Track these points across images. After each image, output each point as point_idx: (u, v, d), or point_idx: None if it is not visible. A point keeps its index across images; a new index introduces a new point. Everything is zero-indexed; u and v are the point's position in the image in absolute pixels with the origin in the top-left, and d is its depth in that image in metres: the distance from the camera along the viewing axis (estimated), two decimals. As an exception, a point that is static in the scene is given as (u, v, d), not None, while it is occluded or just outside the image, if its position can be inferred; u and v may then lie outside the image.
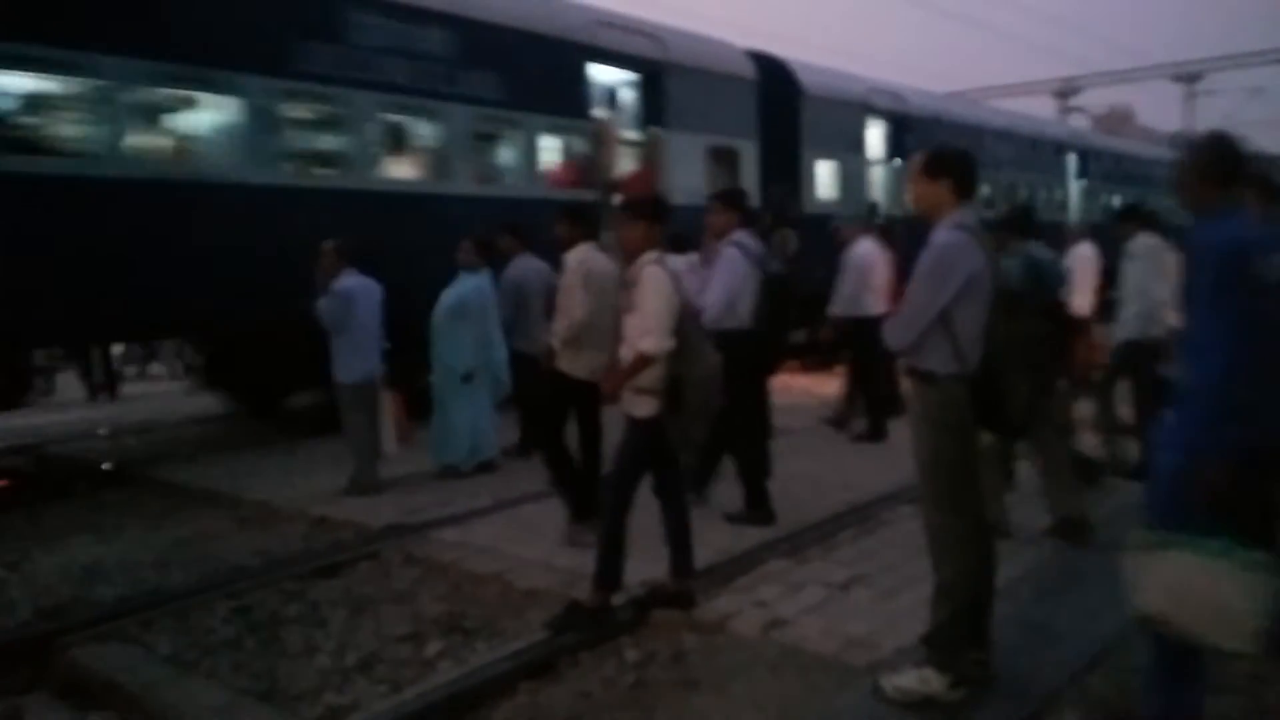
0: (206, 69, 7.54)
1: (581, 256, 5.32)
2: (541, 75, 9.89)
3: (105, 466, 7.92)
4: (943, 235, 3.35)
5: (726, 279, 5.52)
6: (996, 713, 3.34)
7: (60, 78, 7.01)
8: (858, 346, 8.14)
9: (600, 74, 10.72)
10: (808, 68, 13.81)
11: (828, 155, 13.59)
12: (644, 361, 4.11)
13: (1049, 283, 5.25)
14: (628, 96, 11.28)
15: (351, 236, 6.87)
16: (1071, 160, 19.89)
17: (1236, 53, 35.68)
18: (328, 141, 8.54)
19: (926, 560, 3.55)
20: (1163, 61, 37.30)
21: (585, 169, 10.60)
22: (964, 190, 3.44)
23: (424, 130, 9.11)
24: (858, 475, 6.68)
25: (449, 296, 6.95)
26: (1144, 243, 6.63)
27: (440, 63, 8.94)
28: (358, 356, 6.63)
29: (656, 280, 4.14)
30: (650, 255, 4.25)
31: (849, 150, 13.97)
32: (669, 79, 11.21)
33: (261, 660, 4.15)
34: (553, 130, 10.16)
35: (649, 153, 11.29)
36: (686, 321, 4.19)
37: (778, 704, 3.50)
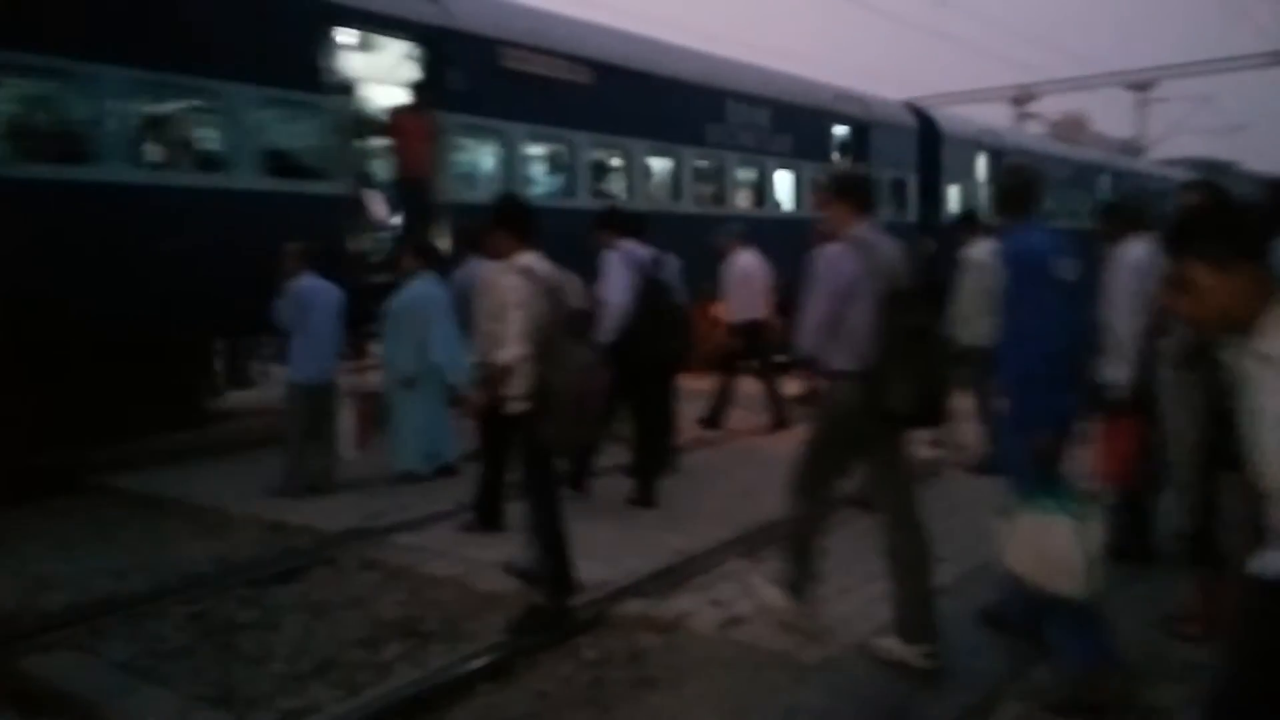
0: (668, 144, 11.84)
1: (527, 262, 5.32)
2: (807, 134, 14.31)
3: (55, 473, 7.77)
4: (825, 250, 3.83)
5: (615, 281, 6.17)
6: (944, 704, 3.42)
7: (618, 153, 11.38)
8: (752, 346, 8.68)
9: (835, 130, 15.08)
10: (943, 116, 18.20)
11: (955, 181, 17.44)
12: (504, 372, 4.15)
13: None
14: (846, 144, 15.34)
15: (315, 242, 6.92)
16: (1106, 179, 24.02)
17: (1187, 61, 36.36)
18: (713, 187, 12.77)
19: (879, 560, 3.68)
20: (1115, 69, 37.92)
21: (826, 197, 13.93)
22: (861, 208, 3.89)
23: (751, 175, 13.48)
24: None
25: (391, 302, 6.93)
26: (978, 252, 6.86)
27: (762, 130, 13.37)
28: (310, 357, 6.69)
29: (511, 290, 4.16)
30: (515, 262, 4.26)
31: (967, 177, 17.93)
32: (871, 131, 15.44)
33: (216, 666, 4.12)
34: (811, 171, 14.21)
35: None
36: (552, 325, 4.18)
37: (733, 701, 3.55)
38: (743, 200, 13.27)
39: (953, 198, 17.31)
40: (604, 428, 6.22)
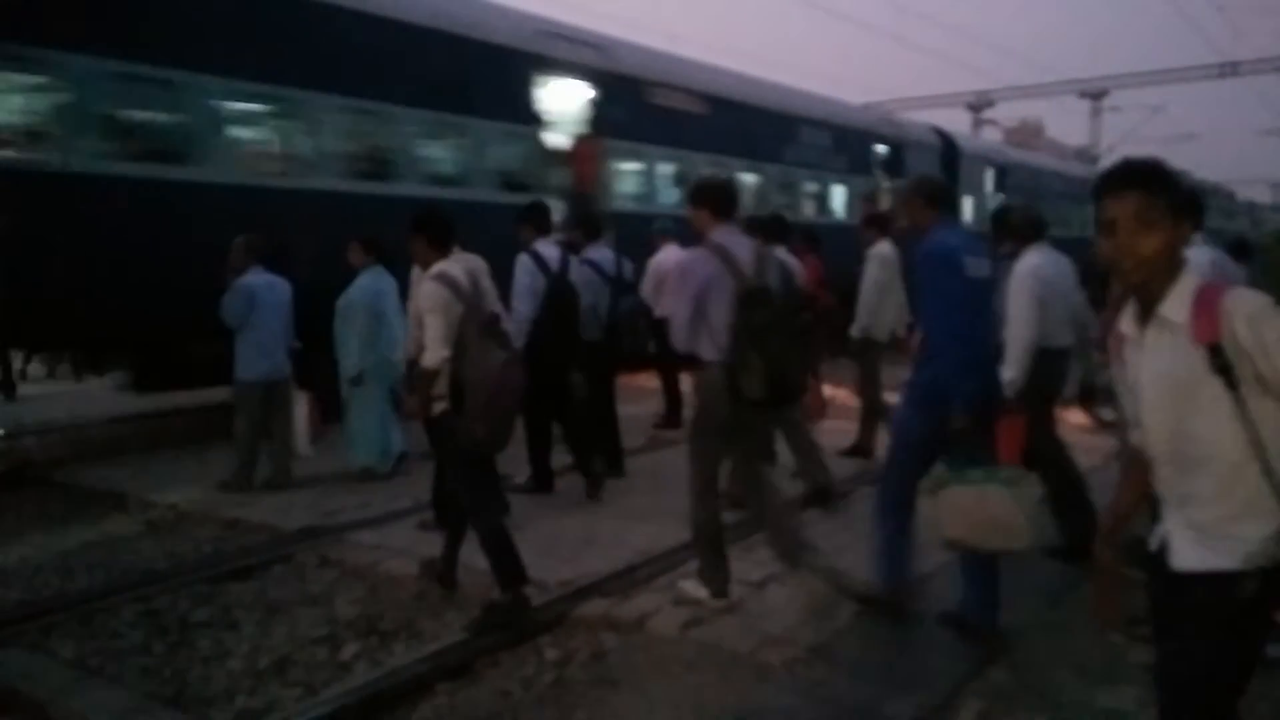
0: (756, 162, 14.31)
1: (442, 269, 5.30)
2: (856, 153, 16.95)
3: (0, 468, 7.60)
4: (685, 255, 4.19)
5: (520, 284, 6.14)
6: (907, 704, 3.45)
7: (722, 170, 12.54)
8: (661, 344, 8.43)
9: (877, 149, 17.63)
10: (960, 136, 21.16)
11: (970, 192, 19.93)
12: (428, 375, 4.24)
13: (791, 281, 5.45)
14: (886, 162, 17.78)
15: (262, 234, 6.81)
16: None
17: (1139, 71, 37.16)
18: (790, 199, 14.99)
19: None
20: (1071, 78, 38.61)
21: (870, 206, 17.17)
22: (720, 213, 4.21)
23: (814, 188, 15.99)
24: (772, 479, 6.78)
25: (341, 299, 6.81)
26: (879, 251, 7.22)
27: (823, 150, 16.00)
28: (259, 354, 6.60)
29: (429, 296, 4.23)
30: (435, 269, 4.31)
31: (978, 190, 20.57)
32: (905, 150, 18.04)
33: (170, 664, 4.05)
34: (861, 185, 16.91)
35: (895, 197, 17.90)
36: (466, 328, 4.21)
37: (694, 701, 3.55)
38: (809, 209, 15.51)
39: (967, 207, 19.86)
40: (542, 427, 6.29)
